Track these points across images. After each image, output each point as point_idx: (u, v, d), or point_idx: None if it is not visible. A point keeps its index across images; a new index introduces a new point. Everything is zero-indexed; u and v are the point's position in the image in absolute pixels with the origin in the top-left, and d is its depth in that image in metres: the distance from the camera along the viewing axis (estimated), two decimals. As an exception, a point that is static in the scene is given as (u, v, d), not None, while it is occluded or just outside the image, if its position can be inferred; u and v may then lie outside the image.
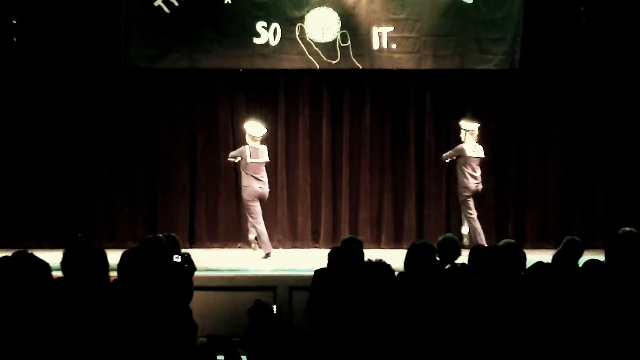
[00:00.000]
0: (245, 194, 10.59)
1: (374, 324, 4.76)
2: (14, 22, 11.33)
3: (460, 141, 11.10)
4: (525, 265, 5.81)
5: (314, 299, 6.23)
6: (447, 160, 11.22)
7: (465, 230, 10.93)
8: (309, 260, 9.81)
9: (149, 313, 5.63)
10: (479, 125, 11.08)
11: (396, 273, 5.36)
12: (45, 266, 5.16)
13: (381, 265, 5.19)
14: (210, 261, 9.93)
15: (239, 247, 11.86)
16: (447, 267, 6.12)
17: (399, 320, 4.86)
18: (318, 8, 11.42)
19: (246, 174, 10.56)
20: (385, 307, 4.94)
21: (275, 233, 11.96)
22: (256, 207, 10.58)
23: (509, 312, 5.13)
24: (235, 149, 11.98)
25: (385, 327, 4.75)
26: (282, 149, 12.02)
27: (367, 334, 4.67)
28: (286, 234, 11.98)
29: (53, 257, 5.85)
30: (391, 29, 11.45)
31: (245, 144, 10.72)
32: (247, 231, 11.05)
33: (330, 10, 11.42)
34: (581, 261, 6.07)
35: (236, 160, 10.83)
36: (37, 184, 11.70)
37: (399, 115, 12.05)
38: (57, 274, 5.52)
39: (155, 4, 11.33)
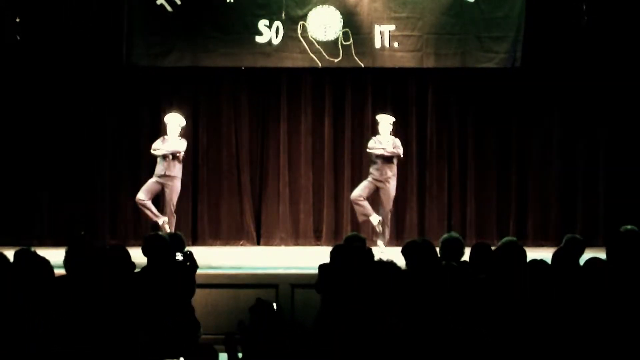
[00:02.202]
0: (179, 184, 10.61)
1: (375, 321, 4.78)
2: (17, 20, 11.35)
3: (376, 133, 10.94)
4: (525, 263, 5.82)
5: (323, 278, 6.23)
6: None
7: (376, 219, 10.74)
8: (311, 257, 9.82)
9: (150, 311, 5.65)
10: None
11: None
12: (46, 264, 5.17)
13: (389, 265, 5.22)
14: (213, 259, 9.94)
15: (242, 245, 11.90)
16: (446, 265, 6.11)
17: (400, 318, 4.88)
18: (320, 6, 11.44)
19: (180, 164, 10.59)
20: (387, 304, 4.96)
21: (277, 231, 11.99)
22: None
23: (510, 310, 5.15)
24: (237, 147, 12.03)
25: (386, 325, 4.76)
26: (284, 147, 12.04)
27: (369, 332, 4.68)
28: (288, 231, 12.00)
29: (55, 255, 5.89)
30: (393, 27, 11.46)
31: (165, 133, 10.71)
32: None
33: (332, 8, 11.44)
34: (582, 259, 6.08)
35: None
36: (39, 182, 11.72)
37: (400, 113, 12.04)
38: (59, 271, 5.55)
39: (158, 2, 11.34)
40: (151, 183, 10.66)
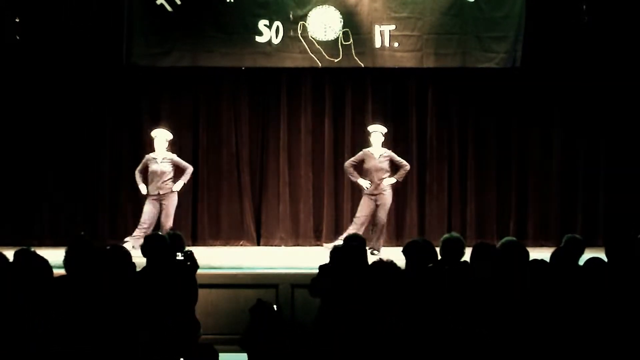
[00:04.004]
0: (176, 198, 10.65)
1: (375, 321, 4.78)
2: (17, 20, 11.35)
3: (368, 145, 10.77)
4: (528, 262, 5.82)
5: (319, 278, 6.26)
6: None
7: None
8: (311, 257, 9.82)
9: (150, 311, 5.65)
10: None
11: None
12: (45, 263, 5.17)
13: (389, 265, 5.22)
14: (213, 259, 9.94)
15: (242, 245, 11.89)
16: (435, 267, 6.11)
17: (400, 318, 4.88)
18: (320, 6, 11.44)
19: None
20: (387, 304, 4.96)
21: (277, 231, 11.99)
22: None
23: (510, 310, 5.15)
24: (237, 147, 12.03)
25: (386, 325, 4.77)
26: (284, 147, 12.04)
27: (369, 332, 4.68)
28: (288, 231, 12.00)
29: (55, 255, 5.88)
30: (393, 27, 11.47)
31: (152, 149, 10.70)
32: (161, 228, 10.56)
33: (332, 8, 11.44)
34: (583, 259, 6.08)
35: None
36: (39, 182, 11.72)
37: (400, 113, 12.07)
38: (59, 271, 5.55)
39: (158, 2, 11.35)
40: (150, 205, 10.57)
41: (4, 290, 4.95)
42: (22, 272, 5.08)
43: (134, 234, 10.45)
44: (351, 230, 10.16)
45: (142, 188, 10.53)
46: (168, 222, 10.52)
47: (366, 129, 11.01)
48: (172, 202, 10.58)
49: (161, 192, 10.53)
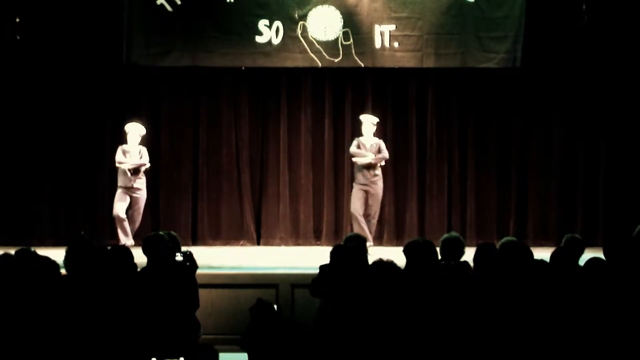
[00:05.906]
0: (145, 193, 10.75)
1: (375, 321, 4.78)
2: (17, 20, 11.35)
3: (360, 134, 10.87)
4: (532, 262, 5.82)
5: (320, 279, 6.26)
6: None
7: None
8: (311, 258, 9.82)
9: (151, 311, 5.65)
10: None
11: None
12: (53, 264, 5.18)
13: (389, 265, 5.22)
14: (213, 259, 9.94)
15: (242, 245, 11.89)
16: (446, 265, 6.11)
17: (400, 318, 4.88)
18: (320, 6, 11.45)
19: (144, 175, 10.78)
20: (387, 304, 4.96)
21: (277, 231, 11.99)
22: None
23: (510, 309, 5.15)
24: (237, 147, 12.03)
25: (386, 325, 4.77)
26: (284, 147, 12.03)
27: (369, 331, 4.69)
28: (288, 231, 11.99)
29: (55, 255, 5.89)
30: (393, 27, 11.47)
31: (125, 142, 10.77)
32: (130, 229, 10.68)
33: (332, 8, 11.45)
34: (583, 259, 6.08)
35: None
36: (39, 182, 11.72)
37: (400, 113, 12.07)
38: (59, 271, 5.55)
39: (158, 2, 11.35)
40: (122, 196, 10.67)
41: (9, 290, 4.95)
42: (24, 272, 5.08)
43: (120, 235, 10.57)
44: (356, 228, 10.38)
45: (129, 165, 10.60)
46: (138, 219, 10.70)
47: (358, 120, 11.05)
48: (142, 197, 10.69)
49: (134, 185, 10.60)
